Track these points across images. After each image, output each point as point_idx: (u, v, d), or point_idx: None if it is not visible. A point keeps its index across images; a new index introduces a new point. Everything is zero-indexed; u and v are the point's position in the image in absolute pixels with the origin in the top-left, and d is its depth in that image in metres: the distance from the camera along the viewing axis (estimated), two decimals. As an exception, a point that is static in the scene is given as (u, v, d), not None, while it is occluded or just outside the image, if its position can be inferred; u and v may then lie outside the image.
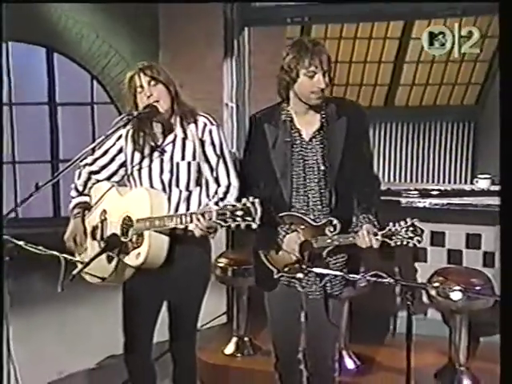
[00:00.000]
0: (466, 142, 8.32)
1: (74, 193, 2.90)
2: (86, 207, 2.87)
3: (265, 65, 6.24)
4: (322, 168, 2.64)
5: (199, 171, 2.76)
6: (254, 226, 2.37)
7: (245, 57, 4.37)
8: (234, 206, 2.38)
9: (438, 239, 4.09)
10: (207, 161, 2.76)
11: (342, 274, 2.60)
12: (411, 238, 2.50)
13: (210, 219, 2.43)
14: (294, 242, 2.63)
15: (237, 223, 2.37)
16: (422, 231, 2.51)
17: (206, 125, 2.77)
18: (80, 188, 2.88)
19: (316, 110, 2.66)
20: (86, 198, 2.88)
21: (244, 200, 2.38)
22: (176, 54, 5.99)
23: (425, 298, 3.85)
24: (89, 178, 2.88)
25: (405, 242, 2.50)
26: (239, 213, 2.36)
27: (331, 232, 2.61)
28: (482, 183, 4.13)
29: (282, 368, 2.92)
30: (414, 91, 8.08)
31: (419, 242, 2.52)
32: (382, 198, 3.82)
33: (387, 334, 4.16)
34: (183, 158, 2.74)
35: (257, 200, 2.37)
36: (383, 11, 4.14)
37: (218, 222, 2.40)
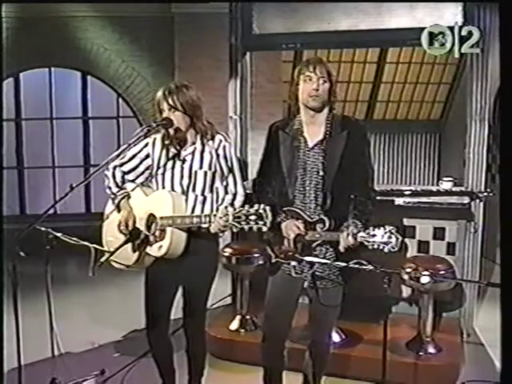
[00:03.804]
0: (432, 150, 8.34)
1: (115, 189, 2.81)
2: (129, 196, 2.82)
3: (264, 83, 6.26)
4: (321, 174, 2.59)
5: (213, 179, 2.74)
6: (265, 228, 2.36)
7: (247, 77, 4.36)
8: (248, 210, 2.37)
9: (409, 232, 4.09)
10: (220, 171, 2.76)
11: (328, 261, 2.56)
12: (386, 243, 2.38)
13: (227, 221, 2.42)
14: (289, 228, 2.60)
15: (250, 226, 2.36)
16: (398, 239, 2.38)
17: (221, 141, 2.76)
18: (120, 184, 2.82)
19: (320, 120, 2.62)
20: (126, 191, 2.82)
21: (256, 206, 2.37)
22: (189, 76, 5.98)
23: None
24: (123, 176, 2.84)
25: (381, 247, 2.39)
26: (253, 217, 2.36)
27: (321, 228, 2.58)
28: (446, 185, 4.12)
29: (266, 348, 2.83)
30: (389, 107, 8.09)
31: (393, 248, 2.38)
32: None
33: (368, 312, 4.14)
34: (201, 168, 2.72)
35: (268, 207, 2.37)
36: (363, 40, 4.11)
37: (234, 223, 2.39)
